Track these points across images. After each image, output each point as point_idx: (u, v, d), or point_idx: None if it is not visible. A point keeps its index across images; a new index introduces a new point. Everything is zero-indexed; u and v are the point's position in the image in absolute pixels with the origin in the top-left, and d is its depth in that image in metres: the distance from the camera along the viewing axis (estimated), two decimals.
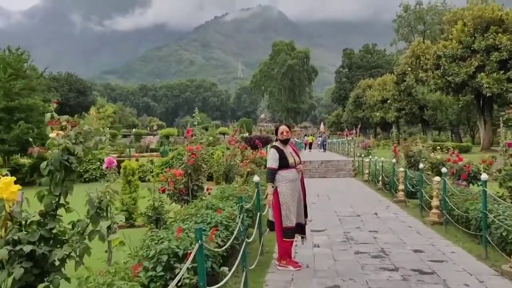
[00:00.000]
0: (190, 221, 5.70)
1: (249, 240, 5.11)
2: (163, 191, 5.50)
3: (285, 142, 5.59)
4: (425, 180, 9.57)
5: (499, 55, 27.68)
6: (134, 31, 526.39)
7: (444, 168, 7.90)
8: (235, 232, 4.53)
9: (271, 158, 5.46)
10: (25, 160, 19.67)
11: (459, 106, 31.68)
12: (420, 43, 40.24)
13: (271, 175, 5.42)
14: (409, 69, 40.38)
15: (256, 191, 6.28)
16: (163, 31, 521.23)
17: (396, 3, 61.80)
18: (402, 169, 11.61)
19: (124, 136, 62.25)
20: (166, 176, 7.34)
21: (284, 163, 5.43)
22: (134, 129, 73.90)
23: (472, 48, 28.99)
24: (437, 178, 8.37)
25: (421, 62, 35.68)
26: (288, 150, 5.56)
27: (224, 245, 4.65)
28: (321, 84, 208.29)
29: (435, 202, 8.35)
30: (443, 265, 5.62)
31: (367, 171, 17.98)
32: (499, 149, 7.72)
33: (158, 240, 4.81)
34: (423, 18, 56.46)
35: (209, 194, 8.17)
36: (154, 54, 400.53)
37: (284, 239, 5.41)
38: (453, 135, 47.20)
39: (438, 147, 14.75)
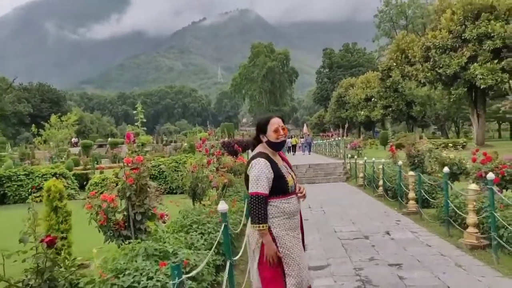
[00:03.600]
0: (112, 286, 3.40)
1: None
2: (50, 243, 3.07)
3: (280, 147, 3.19)
4: (451, 188, 7.40)
5: (493, 44, 26.00)
6: (110, 39, 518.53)
7: (491, 173, 5.71)
8: None
9: (262, 175, 2.96)
10: None
11: (451, 100, 29.92)
12: (405, 37, 38.62)
13: (262, 209, 2.94)
14: (395, 64, 38.65)
15: (222, 227, 3.93)
16: (140, 38, 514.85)
17: (372, 2, 60.61)
18: (412, 172, 9.46)
19: (100, 146, 59.48)
20: (93, 204, 4.99)
21: (281, 186, 3.03)
22: (109, 139, 70.95)
23: (463, 38, 27.29)
24: (474, 186, 6.22)
25: (408, 56, 33.94)
26: (280, 162, 3.18)
27: None
28: (302, 86, 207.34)
29: (471, 218, 6.18)
30: None
31: (361, 174, 15.88)
32: None
33: None
34: (405, 12, 55.13)
35: (164, 223, 5.84)
36: (131, 62, 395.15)
37: None
38: (440, 132, 45.70)
39: (450, 145, 12.70)
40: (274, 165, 3.04)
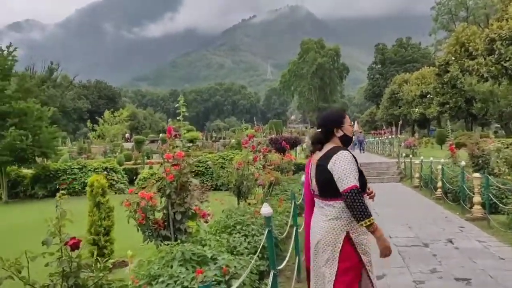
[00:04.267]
0: None
1: None
2: (74, 246, 2.69)
3: (350, 143, 2.97)
4: None
5: None
6: (163, 37, 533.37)
7: None
8: None
9: (353, 169, 2.68)
10: (27, 171, 17.68)
11: None
12: (465, 29, 36.34)
13: (364, 202, 2.61)
14: (453, 58, 36.49)
15: (266, 232, 3.45)
16: (192, 36, 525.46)
17: None
18: (478, 174, 8.61)
19: (152, 141, 61.04)
20: (131, 201, 4.73)
21: (363, 184, 2.76)
22: (161, 134, 72.65)
23: None
24: None
25: (468, 49, 31.89)
26: None
27: None
28: (353, 83, 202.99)
29: None
30: None
31: (417, 174, 14.95)
32: None
33: None
34: (465, 3, 51.95)
35: (206, 223, 5.50)
36: (183, 59, 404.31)
37: None
38: (503, 131, 42.73)
39: None
40: (356, 160, 2.76)
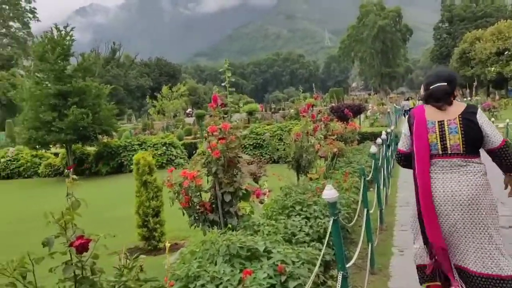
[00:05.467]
0: None
1: None
2: (81, 247, 2.06)
3: None
4: None
5: None
6: (219, 11, 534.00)
7: None
8: None
9: None
10: (91, 149, 18.08)
11: None
12: None
13: None
14: None
15: (331, 223, 2.62)
16: (247, 7, 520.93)
17: None
18: None
19: (211, 115, 61.62)
20: (173, 182, 4.15)
21: None
22: None
23: None
24: None
25: None
26: None
27: None
28: (415, 45, 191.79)
29: None
30: None
31: None
32: None
33: None
34: None
35: (261, 203, 4.82)
36: (240, 32, 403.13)
37: None
38: None
39: None
40: None
